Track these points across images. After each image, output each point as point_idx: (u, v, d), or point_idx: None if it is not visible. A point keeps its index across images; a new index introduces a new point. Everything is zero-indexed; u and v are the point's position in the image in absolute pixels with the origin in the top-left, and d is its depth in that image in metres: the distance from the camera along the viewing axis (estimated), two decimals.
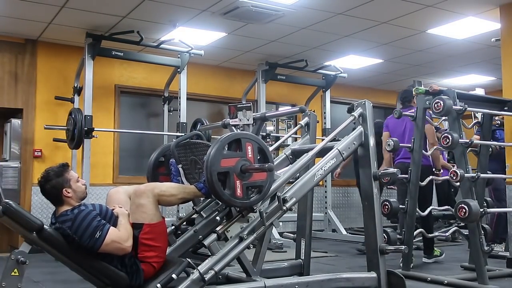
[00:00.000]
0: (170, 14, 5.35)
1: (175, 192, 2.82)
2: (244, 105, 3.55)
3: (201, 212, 3.19)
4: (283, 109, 8.05)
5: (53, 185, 2.68)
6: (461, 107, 3.87)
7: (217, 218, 3.05)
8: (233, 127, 3.56)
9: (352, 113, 3.30)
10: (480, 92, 5.43)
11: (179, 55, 6.15)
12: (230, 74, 7.60)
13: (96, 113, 5.71)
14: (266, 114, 3.75)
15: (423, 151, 4.29)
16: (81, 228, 2.54)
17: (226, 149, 2.72)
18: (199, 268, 2.62)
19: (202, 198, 3.13)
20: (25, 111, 6.12)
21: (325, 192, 7.34)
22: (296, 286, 2.85)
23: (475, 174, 3.84)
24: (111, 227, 2.60)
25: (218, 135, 4.61)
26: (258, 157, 2.80)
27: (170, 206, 3.30)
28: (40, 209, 5.90)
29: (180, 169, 3.21)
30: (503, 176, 4.74)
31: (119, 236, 2.58)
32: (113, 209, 2.77)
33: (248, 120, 3.48)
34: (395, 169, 3.29)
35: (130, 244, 2.61)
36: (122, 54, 5.83)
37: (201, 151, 3.08)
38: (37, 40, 6.21)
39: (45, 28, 5.78)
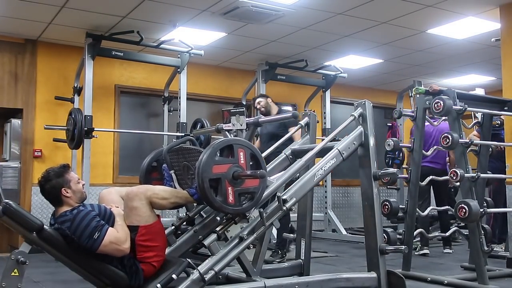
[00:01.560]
0: (170, 14, 5.35)
1: (168, 195, 2.80)
2: (237, 110, 3.53)
3: (201, 212, 3.19)
4: (284, 108, 8.04)
5: (53, 185, 2.68)
6: (461, 107, 3.86)
7: (217, 218, 3.05)
8: (226, 132, 3.55)
9: (353, 113, 3.31)
10: (480, 92, 5.42)
11: (179, 55, 6.15)
12: (230, 74, 7.59)
13: (96, 113, 5.70)
14: (259, 120, 3.74)
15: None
16: (79, 229, 2.54)
17: (218, 155, 2.69)
18: (199, 268, 2.62)
19: (195, 204, 3.12)
20: (25, 111, 6.12)
21: (325, 192, 7.34)
22: (296, 286, 2.85)
23: (475, 174, 3.84)
24: (110, 228, 2.59)
25: (219, 136, 4.60)
26: (251, 163, 2.78)
27: (162, 209, 3.27)
28: (40, 209, 5.89)
29: (173, 174, 3.19)
30: (503, 176, 4.73)
31: (117, 237, 2.58)
32: (110, 208, 2.78)
33: (241, 125, 3.47)
34: (395, 169, 3.29)
35: (127, 246, 2.61)
36: (122, 54, 5.83)
37: (194, 156, 3.06)
38: (37, 40, 6.21)
39: (45, 28, 5.78)
